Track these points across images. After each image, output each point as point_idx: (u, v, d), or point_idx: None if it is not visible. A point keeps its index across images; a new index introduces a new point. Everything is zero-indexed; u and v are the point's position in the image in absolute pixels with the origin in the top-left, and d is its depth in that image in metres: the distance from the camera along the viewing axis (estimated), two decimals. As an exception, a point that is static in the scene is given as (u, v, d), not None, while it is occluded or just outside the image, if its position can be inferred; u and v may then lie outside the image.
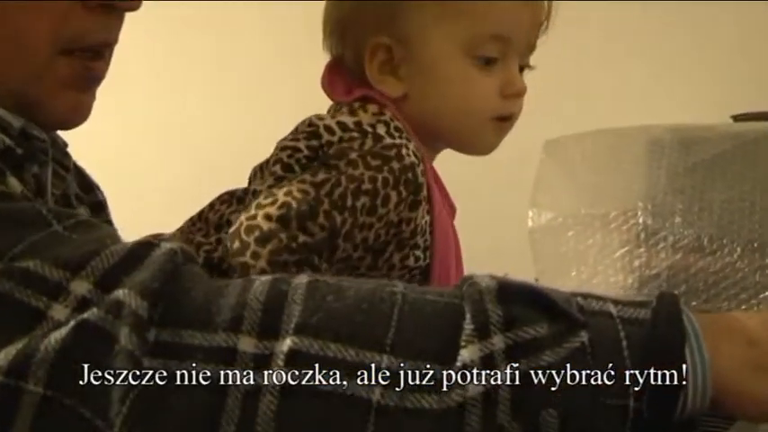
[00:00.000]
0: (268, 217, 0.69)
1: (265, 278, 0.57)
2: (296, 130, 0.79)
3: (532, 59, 0.88)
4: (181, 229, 0.88)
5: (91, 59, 0.79)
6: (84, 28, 0.77)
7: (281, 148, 0.77)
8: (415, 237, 0.76)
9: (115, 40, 0.82)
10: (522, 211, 1.65)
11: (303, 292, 0.56)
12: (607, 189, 1.60)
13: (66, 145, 0.88)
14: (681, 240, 1.50)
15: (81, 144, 0.99)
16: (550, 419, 0.52)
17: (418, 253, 0.77)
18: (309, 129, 0.76)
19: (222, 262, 0.76)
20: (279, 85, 2.18)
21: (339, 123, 0.77)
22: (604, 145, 1.63)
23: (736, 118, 1.67)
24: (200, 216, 0.86)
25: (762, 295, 1.46)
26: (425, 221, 0.76)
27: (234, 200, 0.85)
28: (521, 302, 0.54)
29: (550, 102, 2.08)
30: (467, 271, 0.95)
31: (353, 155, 0.74)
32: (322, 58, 0.88)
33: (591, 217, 1.58)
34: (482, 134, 0.83)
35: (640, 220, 1.53)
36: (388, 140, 0.77)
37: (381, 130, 0.78)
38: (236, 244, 0.70)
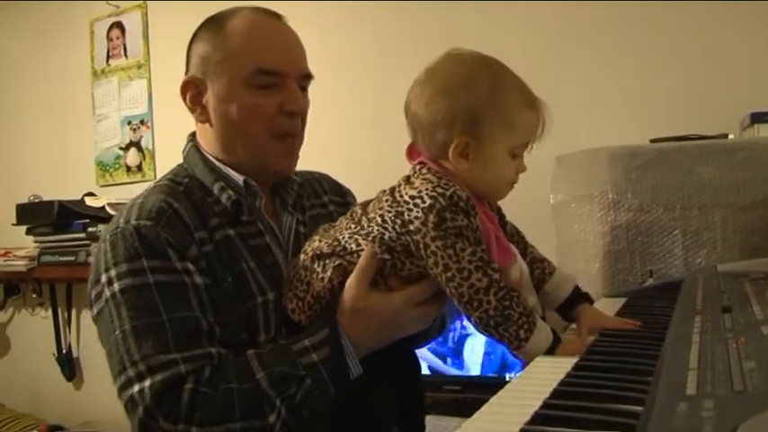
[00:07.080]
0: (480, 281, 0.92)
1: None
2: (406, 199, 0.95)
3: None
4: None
5: (289, 137, 1.01)
6: (282, 125, 0.98)
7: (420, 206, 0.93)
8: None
9: (298, 129, 1.02)
10: (546, 194, 1.93)
11: None
12: (591, 180, 1.82)
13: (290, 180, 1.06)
14: (631, 206, 1.77)
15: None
16: None
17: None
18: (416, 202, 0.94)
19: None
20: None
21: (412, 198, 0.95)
22: (588, 157, 1.87)
23: (652, 141, 1.96)
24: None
25: (675, 232, 1.75)
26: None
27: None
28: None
29: (560, 130, 1.92)
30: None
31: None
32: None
33: (583, 195, 1.83)
34: (503, 191, 1.01)
35: (609, 197, 1.79)
36: (448, 192, 0.92)
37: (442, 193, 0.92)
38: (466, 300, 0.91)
